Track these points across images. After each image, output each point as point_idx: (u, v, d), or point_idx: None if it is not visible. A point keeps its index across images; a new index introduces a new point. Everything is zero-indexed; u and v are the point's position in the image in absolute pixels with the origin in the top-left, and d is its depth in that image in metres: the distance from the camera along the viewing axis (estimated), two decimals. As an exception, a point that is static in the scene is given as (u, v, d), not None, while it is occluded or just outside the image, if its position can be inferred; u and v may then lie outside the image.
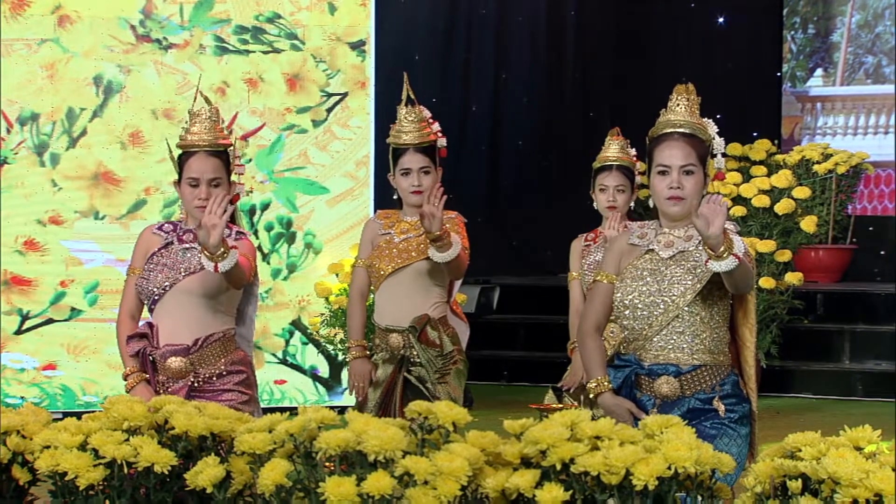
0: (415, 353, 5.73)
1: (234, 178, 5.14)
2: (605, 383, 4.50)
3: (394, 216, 5.89)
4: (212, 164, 5.04)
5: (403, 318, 5.73)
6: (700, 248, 4.45)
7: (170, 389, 4.96)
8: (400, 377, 5.76)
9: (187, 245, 5.07)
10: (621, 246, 4.61)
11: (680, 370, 4.45)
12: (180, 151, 5.12)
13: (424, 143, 5.77)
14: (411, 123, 5.79)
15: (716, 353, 4.49)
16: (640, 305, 4.47)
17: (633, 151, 6.38)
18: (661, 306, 4.45)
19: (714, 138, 4.57)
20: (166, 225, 5.20)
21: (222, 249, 4.77)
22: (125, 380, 5.06)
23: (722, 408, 4.48)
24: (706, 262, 4.31)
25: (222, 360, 5.05)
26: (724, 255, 4.27)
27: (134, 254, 5.21)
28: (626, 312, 4.50)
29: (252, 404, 5.07)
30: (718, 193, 4.47)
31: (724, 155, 4.61)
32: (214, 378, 5.03)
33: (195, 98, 5.12)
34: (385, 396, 5.78)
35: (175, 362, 4.98)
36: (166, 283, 5.04)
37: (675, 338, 4.46)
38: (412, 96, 5.84)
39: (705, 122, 4.58)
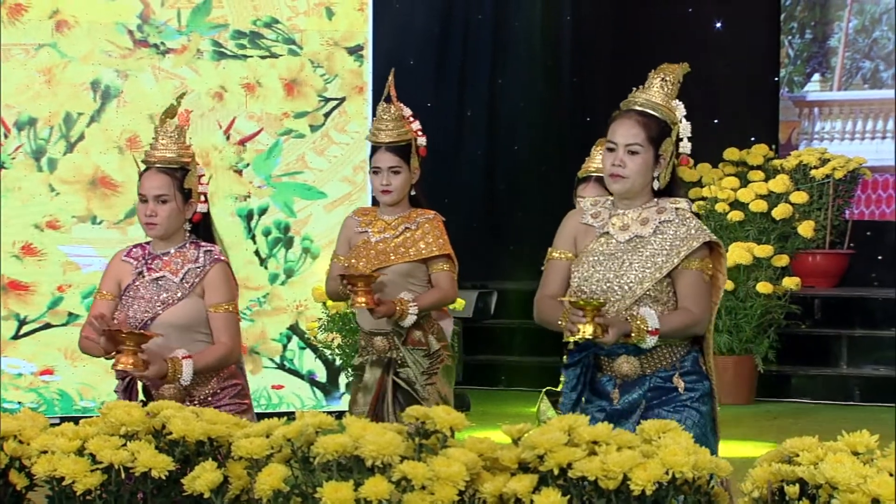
0: (400, 354, 5.74)
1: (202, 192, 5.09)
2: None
3: (371, 213, 5.86)
4: (160, 180, 5.00)
5: (386, 319, 5.72)
6: (657, 233, 4.41)
7: None
8: (389, 382, 5.76)
9: (157, 274, 5.06)
10: (575, 225, 4.59)
11: (639, 348, 4.41)
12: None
13: (399, 141, 5.72)
14: (388, 122, 5.75)
15: None
16: (597, 291, 4.43)
17: None
18: (619, 292, 4.41)
19: (680, 121, 4.51)
20: (135, 250, 5.17)
21: (169, 374, 4.77)
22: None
23: (682, 384, 4.45)
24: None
25: (214, 379, 5.05)
26: (643, 338, 4.26)
27: (103, 278, 5.19)
28: (583, 296, 4.45)
29: (248, 412, 5.08)
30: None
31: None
32: (209, 397, 5.03)
33: (162, 119, 5.05)
34: (376, 402, 5.78)
35: (169, 390, 4.95)
36: (146, 317, 5.03)
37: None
38: (392, 93, 5.79)
39: (674, 104, 4.53)
